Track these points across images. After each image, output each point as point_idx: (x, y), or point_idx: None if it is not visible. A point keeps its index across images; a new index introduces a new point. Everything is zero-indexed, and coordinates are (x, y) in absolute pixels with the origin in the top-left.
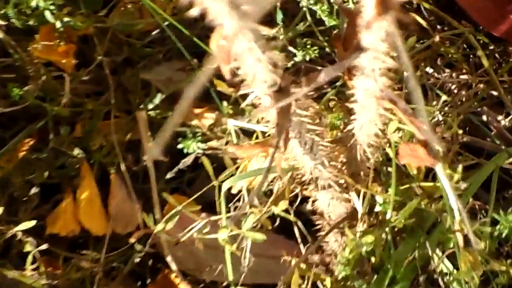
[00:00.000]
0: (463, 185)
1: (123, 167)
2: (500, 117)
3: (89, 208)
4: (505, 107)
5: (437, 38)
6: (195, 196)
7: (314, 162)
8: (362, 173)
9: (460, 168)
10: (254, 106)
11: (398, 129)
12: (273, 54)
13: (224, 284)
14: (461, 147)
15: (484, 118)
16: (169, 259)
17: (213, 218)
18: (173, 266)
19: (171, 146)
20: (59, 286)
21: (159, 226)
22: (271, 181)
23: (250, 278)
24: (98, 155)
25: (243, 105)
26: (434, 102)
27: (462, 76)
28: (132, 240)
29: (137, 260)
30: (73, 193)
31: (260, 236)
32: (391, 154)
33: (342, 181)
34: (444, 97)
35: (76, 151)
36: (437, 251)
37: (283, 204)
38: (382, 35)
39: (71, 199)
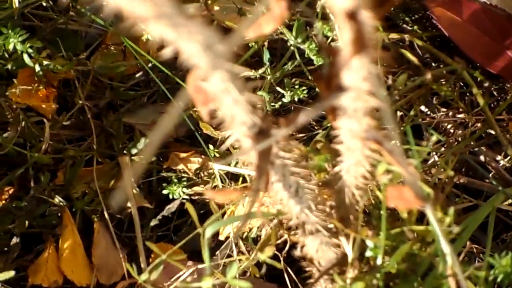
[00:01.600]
0: (455, 229)
1: (106, 215)
2: (498, 157)
3: (72, 258)
4: (503, 146)
5: (429, 76)
6: (179, 244)
7: (300, 206)
8: (351, 217)
9: (451, 210)
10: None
11: (388, 171)
12: (251, 95)
13: None
14: (458, 188)
15: (482, 158)
16: None
17: (200, 266)
18: None
19: (157, 192)
20: None
21: (143, 277)
22: (258, 227)
23: None
24: (81, 203)
25: (222, 148)
26: (430, 143)
27: (458, 115)
28: None
29: None
30: (55, 243)
31: (245, 284)
32: (381, 197)
33: (331, 226)
34: (435, 137)
35: (58, 199)
36: None
37: (269, 251)
38: (363, 74)
39: (53, 249)
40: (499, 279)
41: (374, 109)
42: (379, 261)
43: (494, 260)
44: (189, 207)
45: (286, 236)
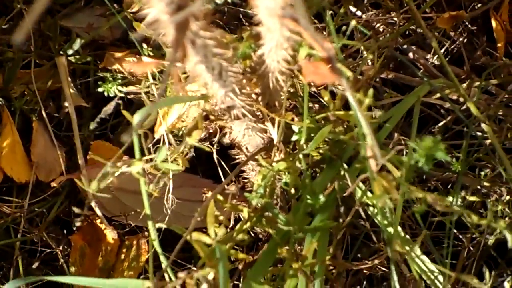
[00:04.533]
0: (377, 112)
1: (44, 114)
2: (428, 56)
3: (11, 155)
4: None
5: None
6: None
7: (224, 90)
8: (277, 103)
9: (370, 92)
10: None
11: (310, 55)
12: None
13: None
14: (387, 85)
15: (411, 55)
16: (93, 204)
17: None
18: (98, 212)
19: (95, 93)
20: None
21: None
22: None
23: (174, 221)
24: (19, 102)
25: (142, 25)
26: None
27: (387, 15)
28: (53, 184)
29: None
30: None
31: (175, 167)
32: (303, 80)
33: (258, 113)
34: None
35: None
36: (361, 185)
37: (196, 134)
38: None
39: None
40: (420, 163)
41: None
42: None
43: (416, 143)
44: (121, 106)
45: (215, 126)
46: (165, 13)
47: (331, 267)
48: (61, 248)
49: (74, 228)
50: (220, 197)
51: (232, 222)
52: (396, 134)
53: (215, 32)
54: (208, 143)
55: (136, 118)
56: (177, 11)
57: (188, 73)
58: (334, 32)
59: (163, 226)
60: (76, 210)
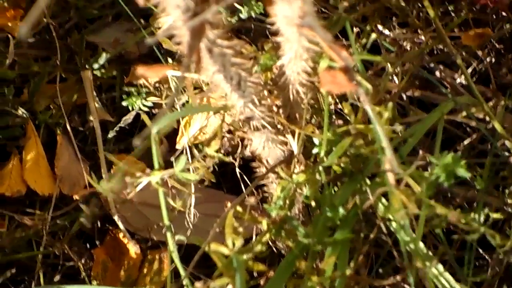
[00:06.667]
0: (398, 127)
1: (69, 128)
2: (456, 75)
3: (35, 168)
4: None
5: None
6: (135, 153)
7: (243, 100)
8: (298, 115)
9: (390, 105)
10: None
11: (330, 67)
12: None
13: None
14: (413, 103)
15: (438, 74)
16: (116, 218)
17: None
18: (121, 226)
19: (121, 107)
20: (6, 246)
21: (103, 185)
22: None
23: (197, 236)
24: (44, 116)
25: (159, 32)
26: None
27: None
28: (76, 197)
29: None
30: (19, 154)
31: (192, 176)
32: (323, 92)
33: (278, 125)
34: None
35: (21, 111)
36: (383, 200)
37: (215, 144)
38: None
39: (17, 160)
40: (441, 179)
41: None
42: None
43: (436, 158)
44: (144, 117)
45: (237, 138)
46: (181, 20)
47: (353, 284)
48: (83, 261)
49: (97, 242)
50: (239, 208)
51: (254, 237)
52: (421, 152)
53: (233, 42)
54: (231, 157)
55: (155, 127)
56: (193, 19)
57: (209, 83)
58: (353, 43)
59: (182, 238)
60: (85, 209)
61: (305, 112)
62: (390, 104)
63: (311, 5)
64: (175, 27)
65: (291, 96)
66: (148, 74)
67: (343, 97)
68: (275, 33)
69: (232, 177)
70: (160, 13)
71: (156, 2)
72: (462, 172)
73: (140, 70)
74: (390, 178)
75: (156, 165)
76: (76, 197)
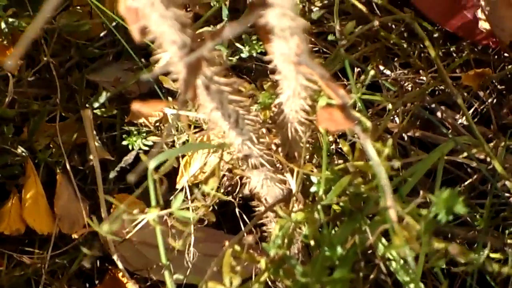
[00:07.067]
0: (396, 163)
1: (68, 167)
2: (457, 116)
3: (34, 207)
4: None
5: (376, 22)
6: (135, 193)
7: (241, 138)
8: (296, 154)
9: (389, 142)
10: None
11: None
12: (179, 11)
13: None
14: (414, 143)
15: (439, 115)
16: (115, 257)
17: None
18: (120, 265)
19: (121, 147)
20: (4, 284)
21: (103, 226)
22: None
23: (195, 275)
24: (44, 155)
25: (156, 69)
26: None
27: (416, 75)
28: (75, 236)
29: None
30: (18, 193)
31: (191, 215)
32: (322, 130)
33: (277, 164)
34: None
35: (20, 150)
36: (383, 240)
37: (213, 182)
38: None
39: (17, 199)
40: (440, 216)
41: (301, 29)
42: (321, 195)
43: (434, 196)
44: (142, 156)
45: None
46: (178, 56)
47: None
48: None
49: (96, 282)
50: (237, 247)
51: (253, 276)
52: (421, 192)
53: (231, 79)
54: (231, 197)
55: (152, 163)
56: (190, 55)
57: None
58: (353, 81)
59: (181, 277)
60: (86, 251)
61: (304, 151)
62: (390, 141)
63: (307, 42)
64: (172, 63)
65: (289, 135)
66: (144, 110)
67: (343, 136)
68: (274, 71)
69: (232, 217)
70: (156, 49)
71: (152, 38)
72: (460, 208)
73: (136, 105)
74: (392, 214)
75: (153, 202)
76: (75, 236)
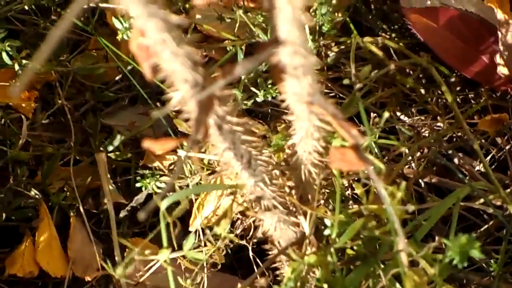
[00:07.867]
0: (411, 207)
1: (82, 210)
2: (474, 163)
3: (47, 250)
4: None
5: (392, 66)
6: (149, 237)
7: (254, 179)
8: (310, 196)
9: (403, 185)
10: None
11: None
12: (190, 48)
13: None
14: (430, 190)
15: (456, 161)
16: None
17: (171, 255)
18: None
19: (135, 190)
20: None
21: (117, 270)
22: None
23: None
24: (57, 198)
25: (169, 108)
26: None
27: (432, 121)
28: (88, 279)
29: None
30: (32, 236)
31: (200, 256)
32: (335, 172)
33: (290, 206)
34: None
35: (34, 192)
36: (398, 285)
37: (225, 223)
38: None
39: (30, 242)
40: (455, 261)
41: (313, 67)
42: (335, 239)
43: (449, 241)
44: (155, 197)
45: (249, 220)
46: (189, 95)
47: None
48: None
49: None
50: None
51: None
52: (437, 237)
53: (243, 119)
54: (244, 240)
55: (164, 203)
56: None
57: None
58: (367, 124)
59: None
60: None
61: (317, 193)
62: (403, 184)
63: (321, 83)
64: (184, 102)
65: (303, 177)
66: (154, 147)
67: (358, 181)
68: (287, 112)
69: (247, 262)
70: (168, 88)
71: (164, 76)
72: (476, 254)
73: (147, 143)
74: (403, 257)
75: (164, 243)
76: (88, 279)
